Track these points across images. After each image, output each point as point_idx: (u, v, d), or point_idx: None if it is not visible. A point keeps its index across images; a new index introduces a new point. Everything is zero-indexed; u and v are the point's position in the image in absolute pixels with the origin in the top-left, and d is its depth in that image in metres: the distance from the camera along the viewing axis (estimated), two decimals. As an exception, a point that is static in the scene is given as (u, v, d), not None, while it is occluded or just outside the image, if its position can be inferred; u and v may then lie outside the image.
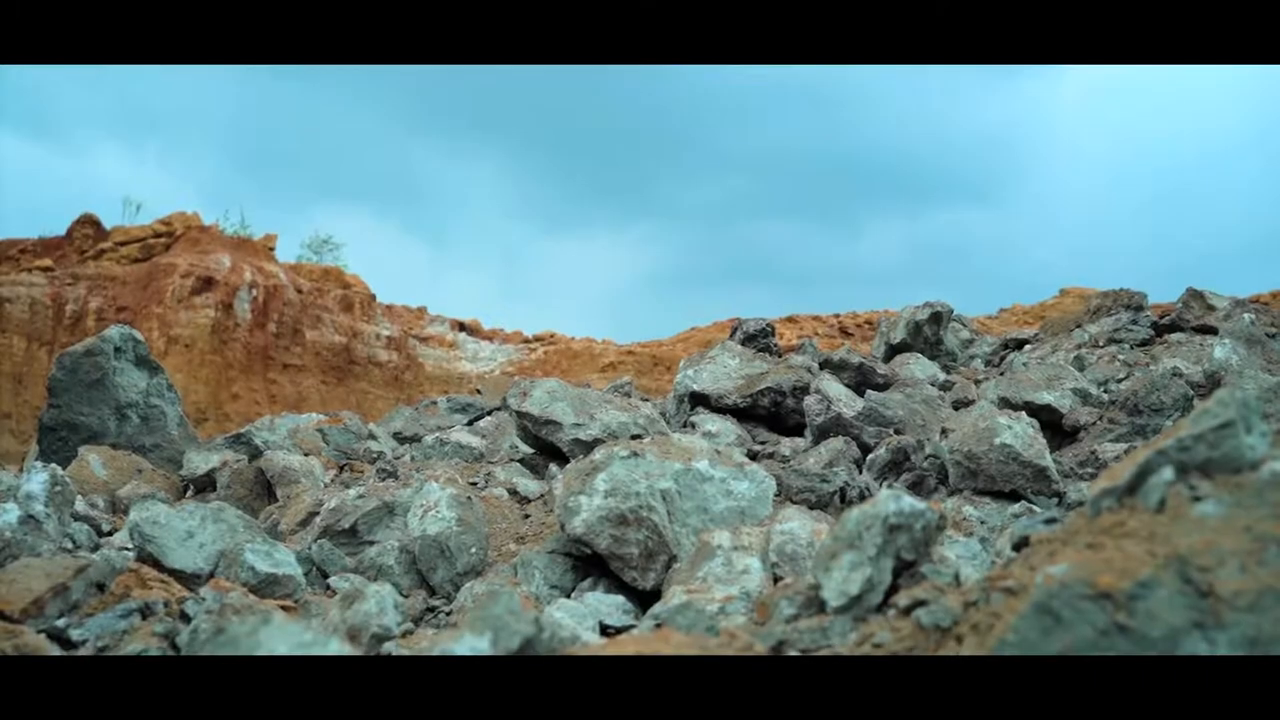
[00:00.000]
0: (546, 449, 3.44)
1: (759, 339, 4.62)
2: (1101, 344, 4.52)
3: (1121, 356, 4.14)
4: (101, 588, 1.84)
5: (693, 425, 3.66)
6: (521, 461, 3.51)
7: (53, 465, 2.48)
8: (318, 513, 2.93)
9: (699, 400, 3.86)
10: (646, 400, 4.52)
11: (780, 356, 4.40)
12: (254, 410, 18.25)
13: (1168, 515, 0.94)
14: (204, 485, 3.75)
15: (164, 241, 21.00)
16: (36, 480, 2.40)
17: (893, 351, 5.03)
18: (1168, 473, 0.98)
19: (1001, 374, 4.40)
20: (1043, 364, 3.89)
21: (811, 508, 2.65)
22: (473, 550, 2.48)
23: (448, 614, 2.28)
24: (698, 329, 22.58)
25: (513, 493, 3.15)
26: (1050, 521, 1.28)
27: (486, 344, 23.11)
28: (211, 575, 2.26)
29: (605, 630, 1.98)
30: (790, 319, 22.83)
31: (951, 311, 5.22)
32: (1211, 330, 4.35)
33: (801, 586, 1.30)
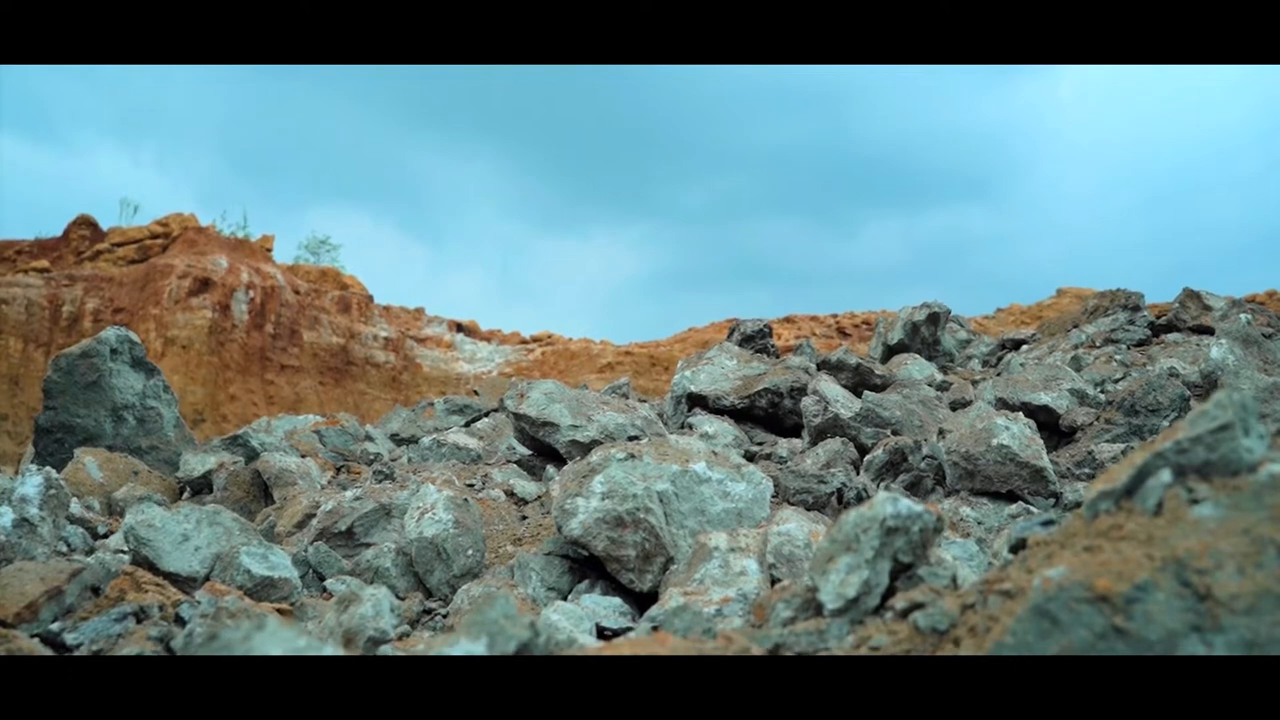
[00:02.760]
0: (544, 450, 3.43)
1: (756, 340, 4.62)
2: (1098, 344, 4.52)
3: (1118, 357, 4.14)
4: (96, 591, 1.84)
5: (690, 426, 3.65)
6: (519, 463, 3.50)
7: (48, 468, 2.47)
8: (314, 515, 2.92)
9: (696, 401, 3.86)
10: (644, 401, 4.52)
11: (778, 357, 4.40)
12: (251, 412, 18.24)
13: (1165, 518, 0.94)
14: (200, 487, 3.74)
15: (161, 243, 20.99)
16: (31, 483, 2.39)
17: (890, 352, 5.04)
18: (1165, 475, 0.97)
19: (999, 374, 4.40)
20: (1040, 364, 3.88)
21: (809, 509, 2.64)
22: (469, 552, 2.48)
23: (444, 616, 2.27)
24: (695, 329, 22.60)
25: (510, 494, 3.15)
26: (1048, 523, 1.28)
27: (484, 345, 23.09)
28: (207, 578, 2.26)
29: (602, 633, 1.97)
30: (788, 319, 22.86)
31: (949, 312, 5.22)
32: (1208, 330, 4.35)
33: (798, 589, 1.29)
